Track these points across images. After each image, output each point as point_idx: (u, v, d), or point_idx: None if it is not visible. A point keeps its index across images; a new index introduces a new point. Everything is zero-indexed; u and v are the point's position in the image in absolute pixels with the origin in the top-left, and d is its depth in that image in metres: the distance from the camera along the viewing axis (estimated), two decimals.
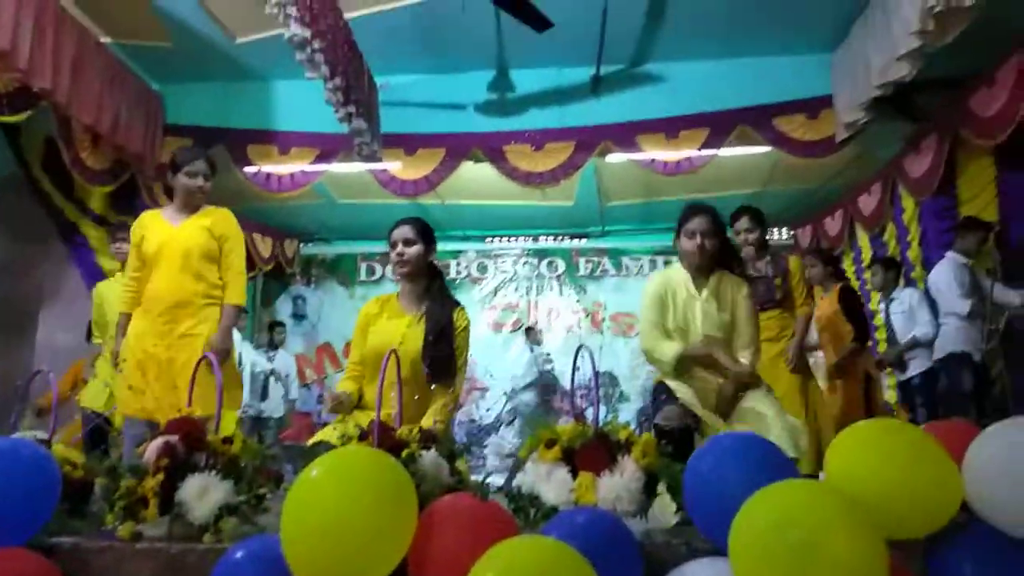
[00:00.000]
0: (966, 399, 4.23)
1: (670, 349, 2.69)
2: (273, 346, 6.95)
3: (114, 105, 4.71)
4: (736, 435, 1.60)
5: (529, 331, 7.75)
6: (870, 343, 4.98)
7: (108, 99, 4.64)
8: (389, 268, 7.91)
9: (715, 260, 2.84)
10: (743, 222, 3.88)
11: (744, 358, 2.75)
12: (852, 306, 4.48)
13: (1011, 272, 4.52)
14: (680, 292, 2.80)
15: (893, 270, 5.21)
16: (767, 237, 4.05)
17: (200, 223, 3.22)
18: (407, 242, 2.73)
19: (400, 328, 2.69)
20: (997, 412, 4.19)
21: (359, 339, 2.78)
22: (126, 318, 3.22)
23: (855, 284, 6.55)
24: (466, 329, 2.77)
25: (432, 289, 2.80)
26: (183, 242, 3.16)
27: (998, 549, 1.41)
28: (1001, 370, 4.48)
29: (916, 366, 4.96)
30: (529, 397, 7.71)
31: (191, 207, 3.25)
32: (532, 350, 7.72)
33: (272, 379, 6.79)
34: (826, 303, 4.65)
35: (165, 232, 3.19)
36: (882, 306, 5.31)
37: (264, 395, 6.72)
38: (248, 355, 6.56)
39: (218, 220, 3.26)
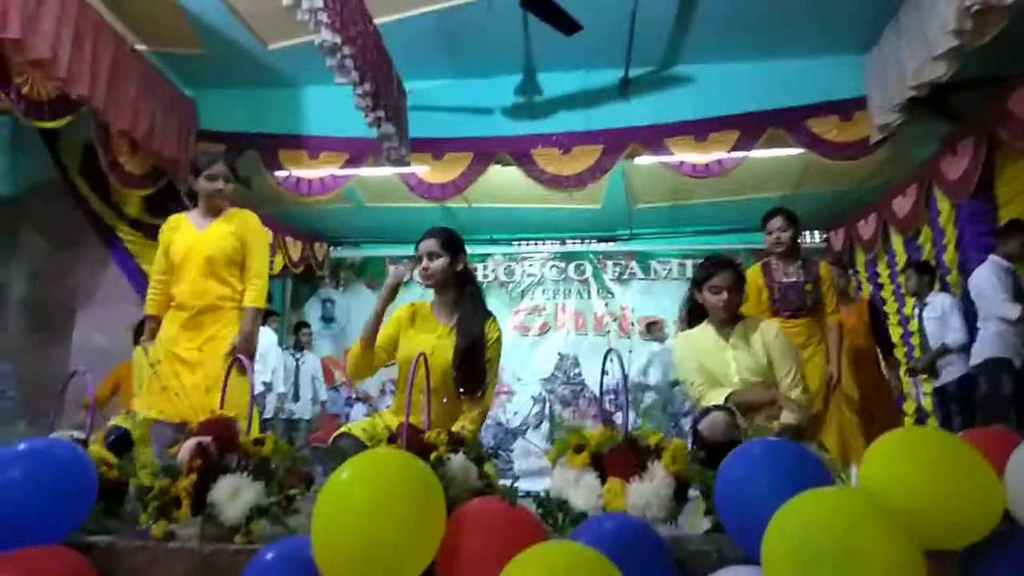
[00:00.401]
0: (1007, 404, 4.12)
1: (719, 396, 2.67)
2: (299, 347, 7.02)
3: (149, 111, 4.80)
4: (768, 441, 1.58)
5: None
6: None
7: (143, 105, 4.73)
8: (416, 273, 7.94)
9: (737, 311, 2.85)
10: (776, 221, 3.82)
11: (793, 404, 2.68)
12: (876, 319, 4.44)
13: None
14: (707, 347, 2.82)
15: (927, 274, 5.12)
16: (799, 240, 3.99)
17: (224, 228, 3.26)
18: (431, 255, 2.72)
19: (431, 339, 2.67)
20: None
21: (388, 331, 2.77)
22: (154, 321, 3.28)
23: (889, 288, 6.45)
24: (498, 340, 2.75)
25: (463, 298, 2.76)
26: (208, 247, 3.20)
27: None
28: None
29: (950, 372, 4.86)
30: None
31: (214, 210, 3.29)
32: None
33: (301, 381, 6.85)
34: (851, 315, 4.60)
35: (190, 236, 3.24)
36: (916, 311, 5.22)
37: (296, 397, 6.79)
38: (277, 356, 6.63)
39: (241, 223, 3.30)
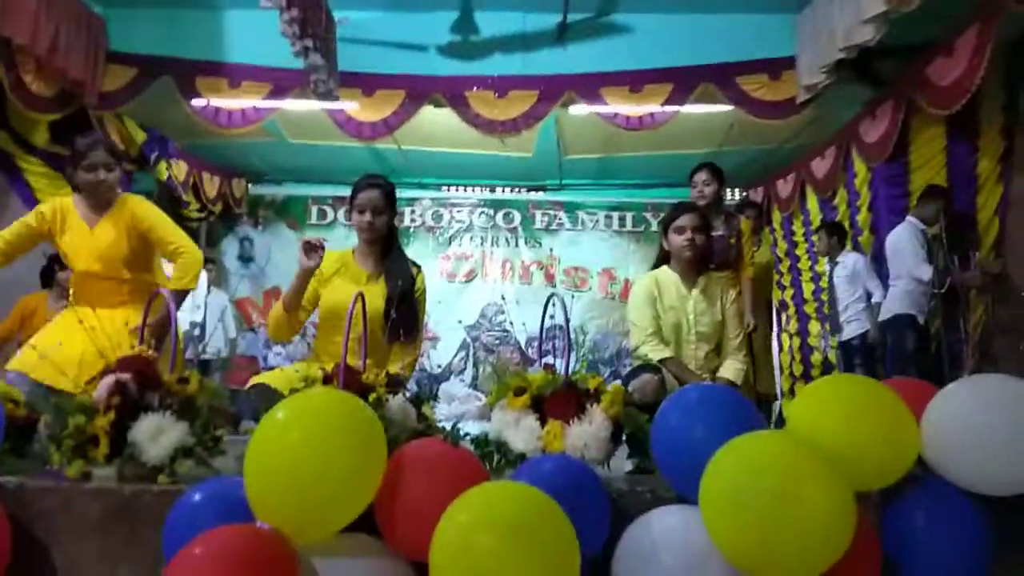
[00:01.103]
0: (908, 359, 4.39)
1: (657, 354, 2.69)
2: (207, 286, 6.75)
3: (52, 25, 4.40)
4: (705, 387, 1.62)
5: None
6: None
7: (44, 18, 4.33)
8: (342, 213, 7.74)
9: (703, 260, 2.88)
10: (702, 174, 3.89)
11: (737, 362, 2.79)
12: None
13: (952, 241, 4.67)
14: (670, 291, 2.82)
15: (838, 235, 5.35)
16: (722, 195, 4.08)
17: (115, 225, 2.88)
18: (377, 211, 2.62)
19: (358, 288, 2.59)
20: (934, 371, 4.38)
21: (310, 286, 2.66)
22: None
23: (803, 246, 6.72)
24: (425, 292, 2.76)
25: (392, 248, 2.73)
26: (99, 249, 2.86)
27: (951, 502, 1.47)
28: (939, 329, 4.64)
29: (856, 328, 5.13)
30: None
31: (102, 203, 2.90)
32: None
33: (207, 319, 6.60)
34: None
35: (80, 235, 2.88)
36: (827, 268, 5.46)
37: (203, 335, 6.55)
38: (204, 296, 6.36)
39: (131, 215, 2.90)
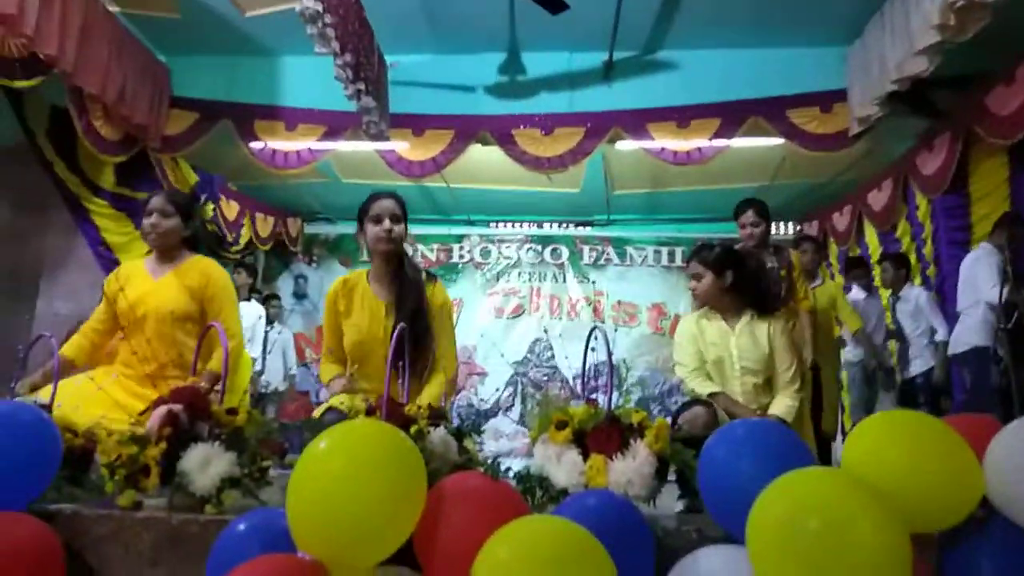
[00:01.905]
0: (990, 394, 4.09)
1: (704, 388, 2.71)
2: (269, 320, 6.90)
3: (120, 75, 4.65)
4: (752, 422, 1.57)
5: None
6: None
7: (115, 68, 4.58)
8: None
9: (743, 298, 2.85)
10: (749, 215, 3.81)
11: (788, 398, 2.72)
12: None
13: (1019, 272, 4.45)
14: (712, 329, 2.84)
15: (904, 268, 5.17)
16: (769, 231, 4.01)
17: (179, 280, 2.78)
18: (395, 218, 2.57)
19: (379, 319, 2.56)
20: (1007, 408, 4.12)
21: (331, 322, 2.63)
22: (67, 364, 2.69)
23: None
24: (445, 305, 2.67)
25: (403, 269, 2.63)
26: (160, 301, 2.73)
27: (1016, 545, 1.39)
28: (1007, 364, 4.37)
29: (920, 365, 4.93)
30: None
31: (162, 254, 2.83)
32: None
33: (271, 352, 6.74)
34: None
35: (143, 287, 2.78)
36: (891, 303, 5.28)
37: (263, 370, 6.67)
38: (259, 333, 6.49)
39: (200, 274, 2.81)
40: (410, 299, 2.55)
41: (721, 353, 2.76)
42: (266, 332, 6.76)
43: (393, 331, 2.37)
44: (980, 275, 4.24)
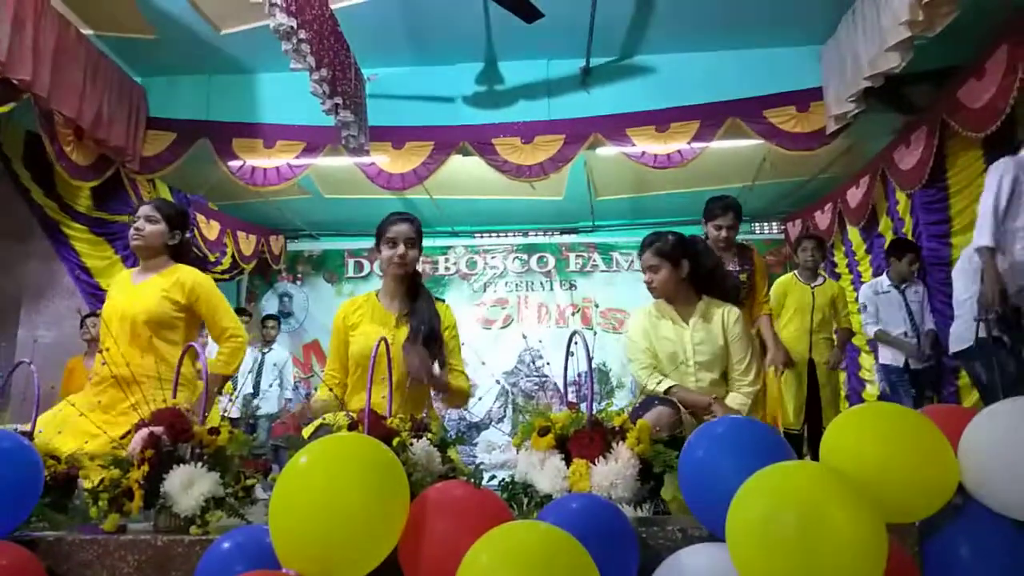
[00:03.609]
0: (1014, 383, 3.98)
1: (658, 385, 2.67)
2: (267, 342, 6.87)
3: (96, 98, 4.64)
4: (730, 419, 1.58)
5: None
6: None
7: (90, 92, 4.57)
8: (377, 264, 7.83)
9: (697, 287, 2.81)
10: (729, 218, 3.70)
11: (741, 394, 2.71)
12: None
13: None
14: (665, 323, 2.78)
15: (921, 260, 4.94)
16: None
17: (158, 283, 2.77)
18: (410, 242, 2.61)
19: (388, 329, 2.59)
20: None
21: (337, 343, 2.66)
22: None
23: (847, 277, 6.58)
24: (455, 326, 2.73)
25: (415, 287, 2.69)
26: (134, 306, 2.72)
27: (994, 531, 1.40)
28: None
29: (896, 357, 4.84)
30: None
31: (146, 261, 2.84)
32: None
33: (264, 374, 6.69)
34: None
35: (124, 287, 2.82)
36: (902, 293, 5.05)
37: (255, 392, 6.62)
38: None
39: (179, 279, 2.79)
40: (424, 309, 2.60)
41: (675, 349, 2.73)
42: (263, 354, 6.73)
43: (408, 339, 2.44)
44: (965, 269, 4.12)
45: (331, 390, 2.55)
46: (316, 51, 3.97)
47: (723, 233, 3.70)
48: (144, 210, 2.83)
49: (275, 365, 6.78)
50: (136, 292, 2.77)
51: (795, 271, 5.08)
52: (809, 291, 4.85)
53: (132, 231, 2.81)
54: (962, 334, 4.05)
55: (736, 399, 2.71)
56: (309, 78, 4.10)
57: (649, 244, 2.79)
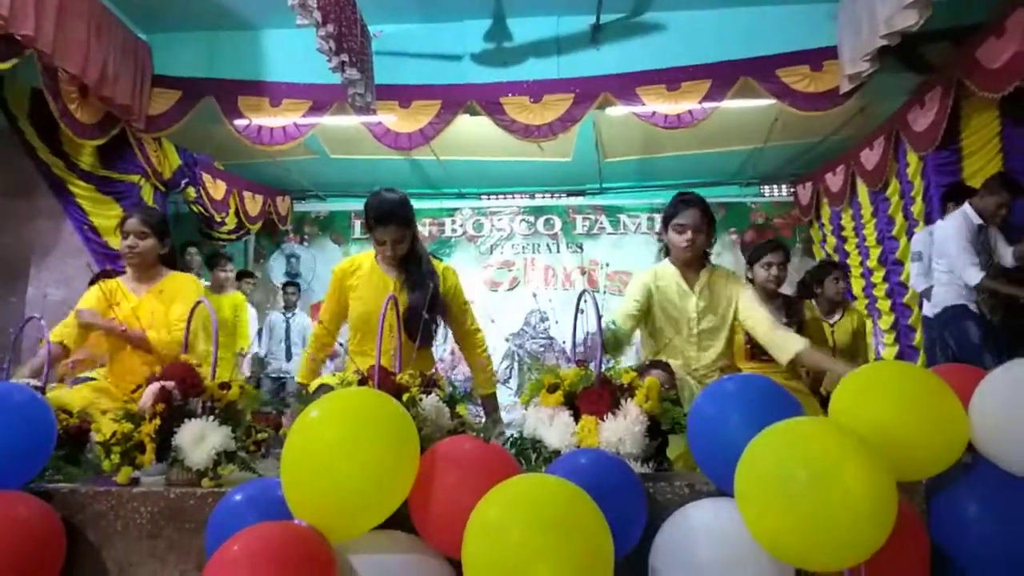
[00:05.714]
0: (976, 352, 4.00)
1: (626, 325, 2.58)
2: (289, 307, 6.88)
3: (101, 55, 4.58)
4: (740, 377, 1.58)
5: None
6: None
7: (94, 48, 4.51)
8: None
9: (706, 254, 2.73)
10: (778, 255, 3.52)
11: (794, 343, 2.49)
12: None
13: (1011, 230, 4.37)
14: (670, 287, 2.67)
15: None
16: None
17: (156, 297, 2.88)
18: (396, 241, 2.55)
19: (386, 293, 2.55)
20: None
21: (333, 295, 2.68)
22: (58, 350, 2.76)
23: (853, 241, 6.53)
24: (456, 285, 2.72)
25: (413, 253, 2.62)
26: (145, 317, 2.81)
27: (1003, 488, 1.40)
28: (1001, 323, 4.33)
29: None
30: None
31: (140, 273, 2.93)
32: None
33: (293, 339, 6.72)
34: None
35: (126, 306, 2.86)
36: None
37: (288, 356, 6.66)
38: (254, 318, 6.44)
39: (172, 288, 2.92)
40: (420, 281, 2.55)
41: (679, 315, 2.65)
42: (287, 320, 6.76)
43: (407, 314, 2.41)
44: (949, 251, 4.08)
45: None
46: (322, 6, 3.90)
47: (773, 271, 3.50)
48: (132, 226, 2.87)
49: (301, 329, 6.82)
50: (143, 304, 2.86)
51: (813, 301, 4.21)
52: (828, 330, 4.14)
53: (125, 248, 2.88)
54: (940, 299, 4.11)
55: (796, 338, 2.54)
56: (316, 34, 4.04)
57: (696, 202, 2.64)
